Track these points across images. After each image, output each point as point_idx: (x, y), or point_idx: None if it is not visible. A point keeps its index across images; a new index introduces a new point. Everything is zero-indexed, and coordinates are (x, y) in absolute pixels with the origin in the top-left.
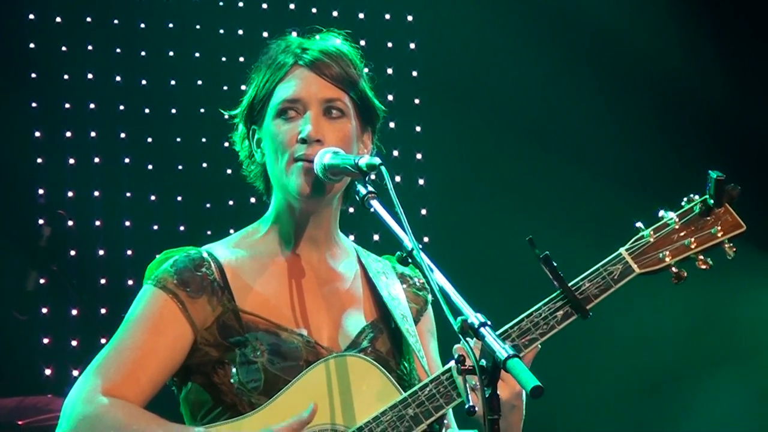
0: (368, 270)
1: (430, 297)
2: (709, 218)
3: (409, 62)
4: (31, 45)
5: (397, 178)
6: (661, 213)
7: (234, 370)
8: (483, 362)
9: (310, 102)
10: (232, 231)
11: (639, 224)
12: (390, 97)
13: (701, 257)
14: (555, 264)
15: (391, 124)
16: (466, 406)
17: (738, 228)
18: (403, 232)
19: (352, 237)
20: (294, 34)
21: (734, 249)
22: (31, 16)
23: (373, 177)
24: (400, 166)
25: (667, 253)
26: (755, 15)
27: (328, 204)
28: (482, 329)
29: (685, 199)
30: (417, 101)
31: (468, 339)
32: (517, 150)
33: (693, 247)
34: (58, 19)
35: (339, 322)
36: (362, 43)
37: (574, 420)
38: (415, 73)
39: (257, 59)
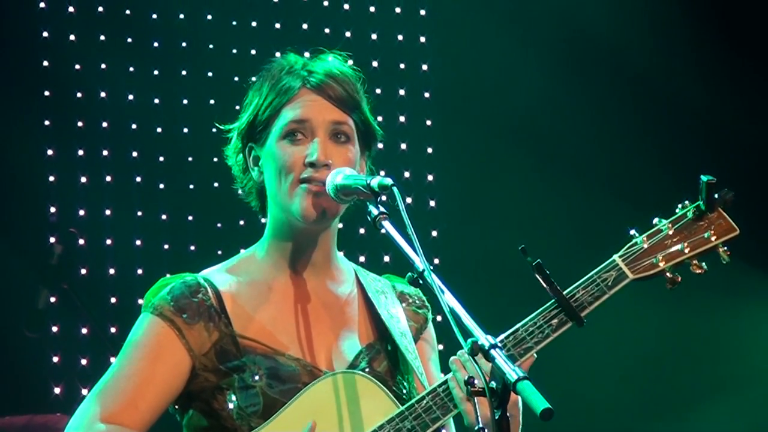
0: (367, 290)
1: (430, 315)
2: (702, 223)
3: (422, 84)
4: (45, 63)
5: (408, 200)
6: (655, 220)
7: (233, 395)
8: (493, 384)
9: (317, 124)
10: (242, 251)
11: (633, 231)
12: (402, 119)
13: (695, 262)
14: (548, 272)
15: (403, 146)
16: (476, 428)
17: (731, 232)
18: (415, 253)
19: (362, 258)
20: (307, 54)
21: (728, 253)
22: (45, 34)
23: (384, 198)
24: (411, 188)
25: (661, 258)
26: (749, 21)
27: (328, 226)
28: (492, 351)
29: (679, 205)
30: (429, 123)
31: (477, 360)
32: (530, 172)
33: (687, 251)
34: (72, 38)
35: (337, 344)
36: (375, 64)
37: None
38: (427, 95)
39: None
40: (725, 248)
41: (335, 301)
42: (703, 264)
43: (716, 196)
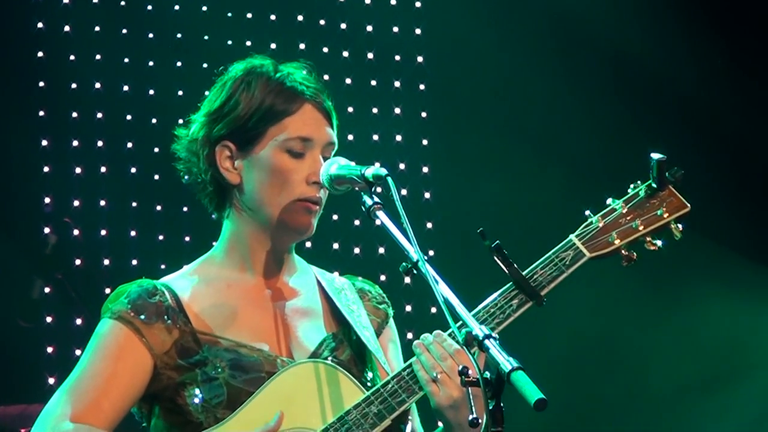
0: (326, 288)
1: (390, 311)
2: (654, 201)
3: (417, 75)
4: (40, 54)
5: (404, 192)
6: (609, 200)
7: (196, 389)
8: (487, 374)
9: (317, 143)
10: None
11: (588, 212)
12: (397, 110)
13: (649, 239)
14: (506, 252)
15: (398, 138)
16: (470, 418)
17: (682, 208)
18: (409, 243)
19: (357, 250)
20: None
21: (680, 229)
22: (40, 25)
23: (379, 190)
24: (406, 180)
25: (616, 236)
26: (738, 6)
27: None
28: (486, 341)
29: (632, 185)
30: (424, 115)
31: (471, 349)
32: (525, 163)
33: (641, 229)
34: (67, 28)
35: (298, 335)
36: (370, 55)
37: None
38: (422, 87)
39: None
40: (677, 225)
41: (295, 295)
42: (657, 241)
43: (667, 174)
